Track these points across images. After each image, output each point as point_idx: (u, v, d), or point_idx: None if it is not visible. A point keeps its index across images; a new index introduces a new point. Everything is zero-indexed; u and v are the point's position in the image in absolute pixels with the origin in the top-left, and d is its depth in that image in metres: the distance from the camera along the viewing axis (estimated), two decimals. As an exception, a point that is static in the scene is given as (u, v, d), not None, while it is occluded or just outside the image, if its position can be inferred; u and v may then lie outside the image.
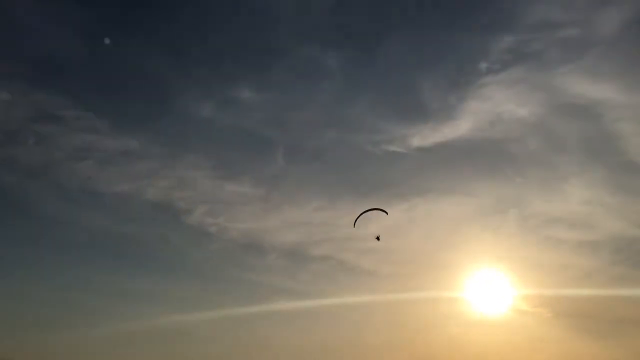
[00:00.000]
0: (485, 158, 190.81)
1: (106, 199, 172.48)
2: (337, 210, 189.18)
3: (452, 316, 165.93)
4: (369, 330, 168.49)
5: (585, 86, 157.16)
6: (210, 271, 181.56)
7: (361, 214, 45.48)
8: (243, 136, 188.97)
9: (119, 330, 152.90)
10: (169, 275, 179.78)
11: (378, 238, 45.60)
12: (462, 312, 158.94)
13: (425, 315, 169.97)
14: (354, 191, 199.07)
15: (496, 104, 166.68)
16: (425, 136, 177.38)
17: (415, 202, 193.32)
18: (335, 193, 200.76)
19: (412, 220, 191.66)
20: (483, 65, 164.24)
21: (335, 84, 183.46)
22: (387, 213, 45.07)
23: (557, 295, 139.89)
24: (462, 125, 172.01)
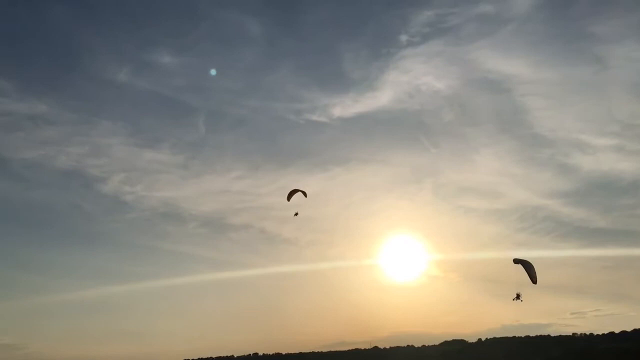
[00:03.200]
0: (403, 129, 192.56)
1: (13, 165, 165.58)
2: (257, 179, 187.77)
3: (369, 282, 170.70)
4: (291, 297, 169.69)
5: (498, 61, 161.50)
6: (127, 241, 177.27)
7: (290, 195, 46.31)
8: (162, 102, 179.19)
9: (26, 303, 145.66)
10: (82, 246, 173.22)
11: (296, 214, 46.65)
12: (379, 279, 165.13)
13: (344, 282, 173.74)
14: (275, 160, 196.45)
15: (415, 76, 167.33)
16: (347, 106, 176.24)
17: (335, 172, 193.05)
18: (256, 162, 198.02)
19: (332, 189, 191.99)
20: (403, 37, 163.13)
21: (256, 51, 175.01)
22: (305, 196, 46.00)
23: (466, 260, 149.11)
24: (382, 96, 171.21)
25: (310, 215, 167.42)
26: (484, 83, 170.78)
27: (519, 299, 38.76)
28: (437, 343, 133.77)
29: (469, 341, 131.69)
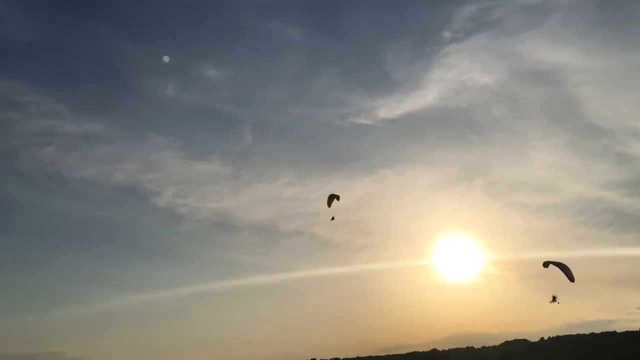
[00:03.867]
0: (450, 127, 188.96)
1: (71, 184, 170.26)
2: (306, 185, 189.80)
3: (424, 283, 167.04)
4: (345, 301, 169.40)
5: (546, 52, 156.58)
6: (182, 252, 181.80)
7: (330, 201, 46.28)
8: (209, 114, 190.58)
9: (88, 313, 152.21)
10: (139, 258, 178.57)
11: (333, 218, 47.03)
12: (433, 279, 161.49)
13: (397, 284, 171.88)
14: (322, 165, 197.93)
15: (460, 72, 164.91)
16: (392, 107, 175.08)
17: (383, 174, 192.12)
18: (303, 168, 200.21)
19: (380, 191, 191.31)
20: (446, 34, 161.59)
21: (299, 58, 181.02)
22: (338, 199, 46.18)
23: (523, 257, 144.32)
24: (427, 94, 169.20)
25: (361, 218, 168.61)
26: (533, 75, 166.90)
27: (555, 301, 38.49)
28: (497, 343, 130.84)
29: (531, 340, 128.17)
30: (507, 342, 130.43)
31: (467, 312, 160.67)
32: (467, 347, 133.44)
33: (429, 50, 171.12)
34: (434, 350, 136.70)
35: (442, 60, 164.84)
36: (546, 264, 38.82)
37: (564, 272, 38.89)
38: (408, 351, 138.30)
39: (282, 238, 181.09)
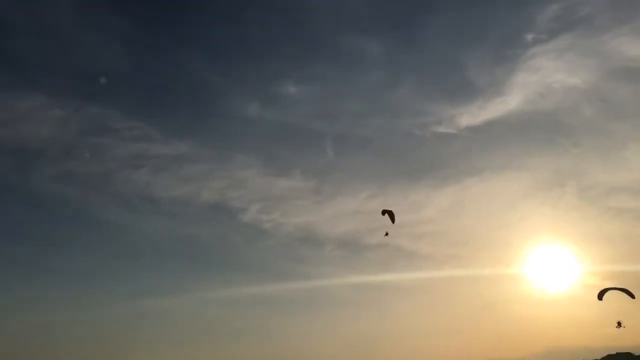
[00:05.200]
0: (538, 131, 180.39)
1: (163, 204, 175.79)
2: (388, 197, 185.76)
3: (515, 295, 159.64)
4: (434, 312, 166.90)
5: (639, 47, 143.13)
6: (268, 267, 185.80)
7: (384, 213, 45.28)
8: (290, 131, 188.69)
9: (187, 329, 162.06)
10: (228, 274, 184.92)
11: (387, 234, 46.61)
12: (526, 290, 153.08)
13: (486, 296, 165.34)
14: (404, 176, 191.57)
15: (546, 74, 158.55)
16: (474, 114, 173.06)
17: (468, 182, 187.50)
18: (385, 179, 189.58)
19: (466, 200, 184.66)
20: (529, 36, 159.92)
21: (378, 71, 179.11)
22: (393, 222, 44.95)
23: (625, 266, 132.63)
24: (511, 99, 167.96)
25: (446, 229, 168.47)
26: (625, 72, 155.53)
27: (620, 326, 41.02)
28: (598, 358, 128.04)
29: (635, 354, 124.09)
30: (609, 356, 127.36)
31: (565, 325, 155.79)
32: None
33: (511, 54, 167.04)
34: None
35: (526, 63, 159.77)
36: (601, 296, 39.39)
37: (624, 291, 40.18)
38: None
39: (367, 251, 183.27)
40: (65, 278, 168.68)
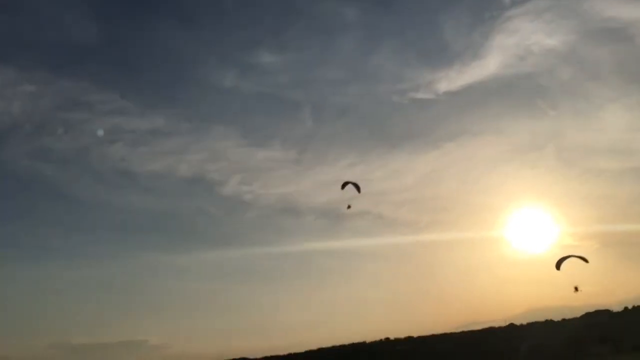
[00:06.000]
0: (516, 94, 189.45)
1: (140, 179, 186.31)
2: (369, 164, 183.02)
3: (497, 258, 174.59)
4: (417, 277, 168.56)
5: (617, 8, 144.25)
6: (250, 238, 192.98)
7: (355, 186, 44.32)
8: (268, 101, 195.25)
9: (164, 302, 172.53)
10: (208, 247, 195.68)
11: (349, 207, 45.59)
12: (507, 253, 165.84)
13: (468, 258, 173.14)
14: (384, 143, 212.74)
15: (524, 36, 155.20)
16: (452, 79, 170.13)
17: (447, 148, 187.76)
18: (365, 147, 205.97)
19: (446, 166, 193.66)
20: None
21: (354, 37, 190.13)
22: (359, 192, 43.93)
23: (603, 226, 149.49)
24: (489, 63, 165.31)
25: (426, 195, 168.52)
26: (604, 33, 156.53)
27: (577, 290, 43.92)
28: (578, 315, 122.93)
29: (615, 310, 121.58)
30: (588, 314, 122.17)
31: (545, 286, 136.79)
32: (546, 321, 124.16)
33: (488, 16, 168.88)
34: (511, 324, 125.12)
35: (503, 25, 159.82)
36: (558, 265, 41.31)
37: (577, 257, 41.70)
38: (484, 327, 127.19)
39: (348, 220, 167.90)
40: (41, 253, 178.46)
